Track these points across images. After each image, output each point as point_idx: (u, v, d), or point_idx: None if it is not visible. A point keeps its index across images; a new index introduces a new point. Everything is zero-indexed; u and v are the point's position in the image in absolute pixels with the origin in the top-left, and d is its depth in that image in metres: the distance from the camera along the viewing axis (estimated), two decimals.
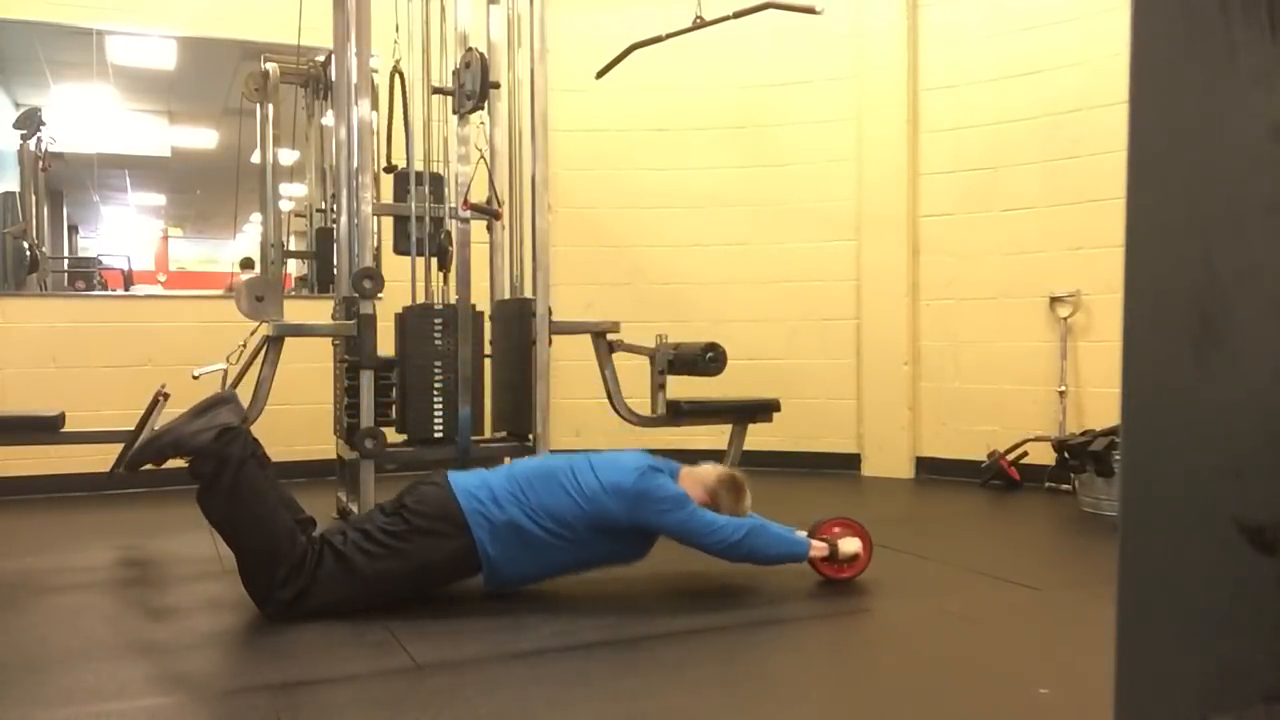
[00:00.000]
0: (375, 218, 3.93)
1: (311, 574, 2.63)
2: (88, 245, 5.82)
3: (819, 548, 2.97)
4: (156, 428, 3.46)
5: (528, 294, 4.12)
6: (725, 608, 2.85)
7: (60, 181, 5.46)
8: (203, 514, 2.73)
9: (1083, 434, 4.44)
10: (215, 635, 2.59)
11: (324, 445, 4.68)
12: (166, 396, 3.57)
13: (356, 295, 3.65)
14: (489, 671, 2.27)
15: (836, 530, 3.04)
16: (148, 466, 2.87)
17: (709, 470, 3.04)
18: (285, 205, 5.72)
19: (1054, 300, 4.90)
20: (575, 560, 2.86)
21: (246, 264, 5.90)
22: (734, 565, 3.04)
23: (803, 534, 3.01)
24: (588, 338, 4.20)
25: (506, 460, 4.29)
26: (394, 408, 3.87)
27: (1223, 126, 0.70)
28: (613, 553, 2.91)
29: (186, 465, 2.74)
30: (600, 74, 5.14)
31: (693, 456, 5.05)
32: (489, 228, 4.36)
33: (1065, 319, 4.87)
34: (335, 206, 4.51)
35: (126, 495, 4.67)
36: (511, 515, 2.74)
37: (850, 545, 3.00)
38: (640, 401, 4.34)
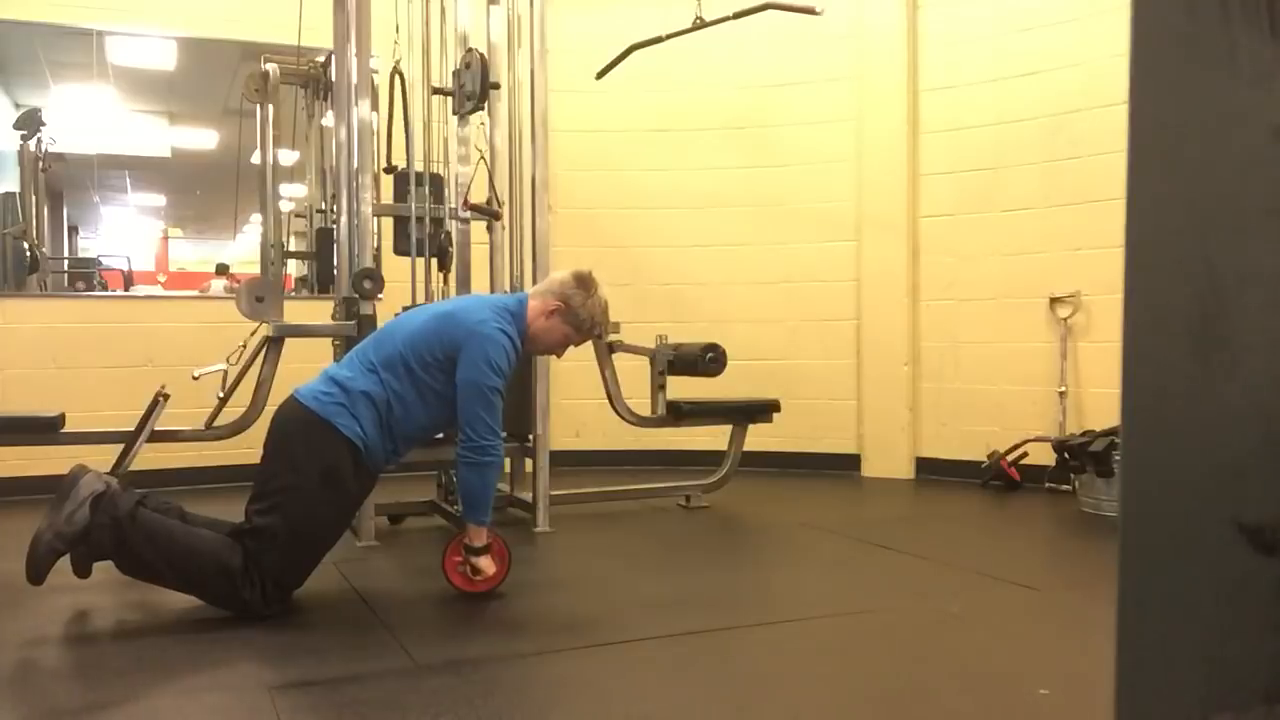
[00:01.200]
0: (375, 218, 3.93)
1: (257, 566, 2.63)
2: (88, 246, 5.82)
3: (482, 535, 2.84)
4: (153, 426, 3.46)
5: None
6: (724, 609, 2.85)
7: (60, 182, 5.46)
8: (142, 579, 2.71)
9: (1083, 434, 4.44)
10: (215, 636, 2.59)
11: None
12: (166, 397, 3.57)
13: (356, 296, 3.66)
14: (489, 672, 2.27)
15: (494, 548, 2.91)
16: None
17: (556, 275, 3.05)
18: (285, 206, 5.72)
19: (1054, 301, 4.90)
20: (432, 416, 2.84)
21: (222, 269, 5.94)
22: (737, 567, 3.05)
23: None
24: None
25: (506, 460, 4.31)
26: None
27: (1223, 127, 0.70)
28: (445, 398, 2.82)
29: (84, 555, 2.65)
30: (600, 74, 5.14)
31: (693, 457, 5.09)
32: (489, 228, 4.36)
33: (1065, 319, 4.87)
34: (335, 207, 4.51)
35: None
36: (361, 389, 2.75)
37: (488, 564, 2.87)
38: (640, 402, 4.34)
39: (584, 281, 2.98)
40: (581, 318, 2.99)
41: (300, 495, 2.67)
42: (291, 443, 2.72)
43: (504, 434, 3.74)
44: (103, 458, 3.50)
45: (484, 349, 2.78)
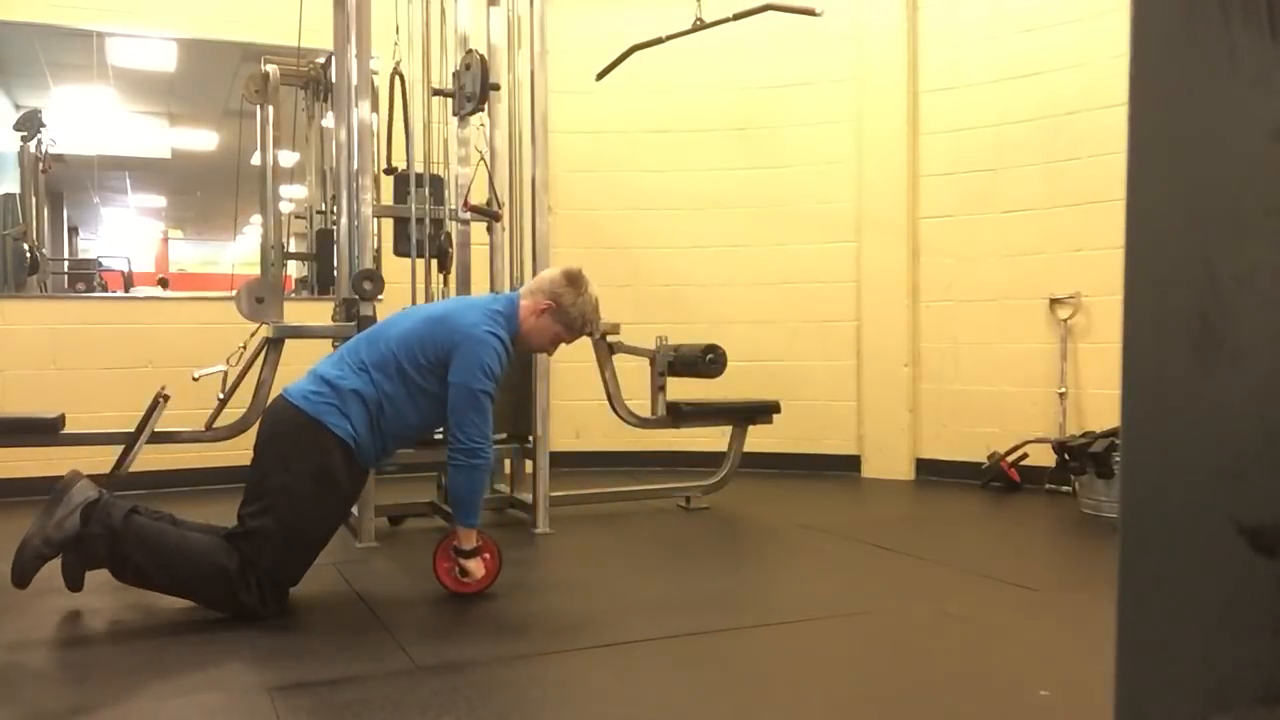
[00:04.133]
0: (375, 219, 3.93)
1: (253, 567, 2.64)
2: (88, 247, 5.82)
3: (471, 538, 2.85)
4: (152, 427, 3.46)
5: None
6: (725, 610, 2.85)
7: (60, 183, 5.46)
8: (138, 586, 2.72)
9: (1083, 435, 4.44)
10: (214, 636, 2.59)
11: None
12: (167, 398, 3.57)
13: (357, 297, 3.66)
14: (488, 673, 2.27)
15: (487, 556, 2.92)
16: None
17: (546, 273, 3.06)
18: (285, 207, 5.72)
19: (1054, 302, 4.90)
20: (423, 416, 2.85)
21: (162, 283, 5.94)
22: (734, 571, 3.04)
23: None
24: (588, 339, 4.20)
25: (506, 461, 4.31)
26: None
27: (1223, 128, 0.70)
28: (436, 399, 2.84)
29: (75, 565, 2.66)
30: (600, 76, 5.14)
31: (693, 458, 5.08)
32: (489, 229, 4.36)
33: (1065, 321, 4.87)
34: (335, 208, 4.51)
35: (126, 497, 4.66)
36: (351, 387, 2.75)
37: (477, 567, 2.88)
38: (640, 403, 4.34)
39: (574, 279, 2.98)
40: (572, 315, 2.99)
41: (293, 495, 2.68)
42: (282, 443, 2.72)
43: (499, 435, 3.76)
44: (103, 459, 3.50)
45: (476, 352, 2.78)
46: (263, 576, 2.64)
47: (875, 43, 5.38)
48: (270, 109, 5.36)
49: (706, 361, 4.23)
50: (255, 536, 2.65)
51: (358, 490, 2.93)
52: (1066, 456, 4.41)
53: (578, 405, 5.29)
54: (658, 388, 4.31)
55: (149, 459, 3.75)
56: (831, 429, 5.50)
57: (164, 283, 6.02)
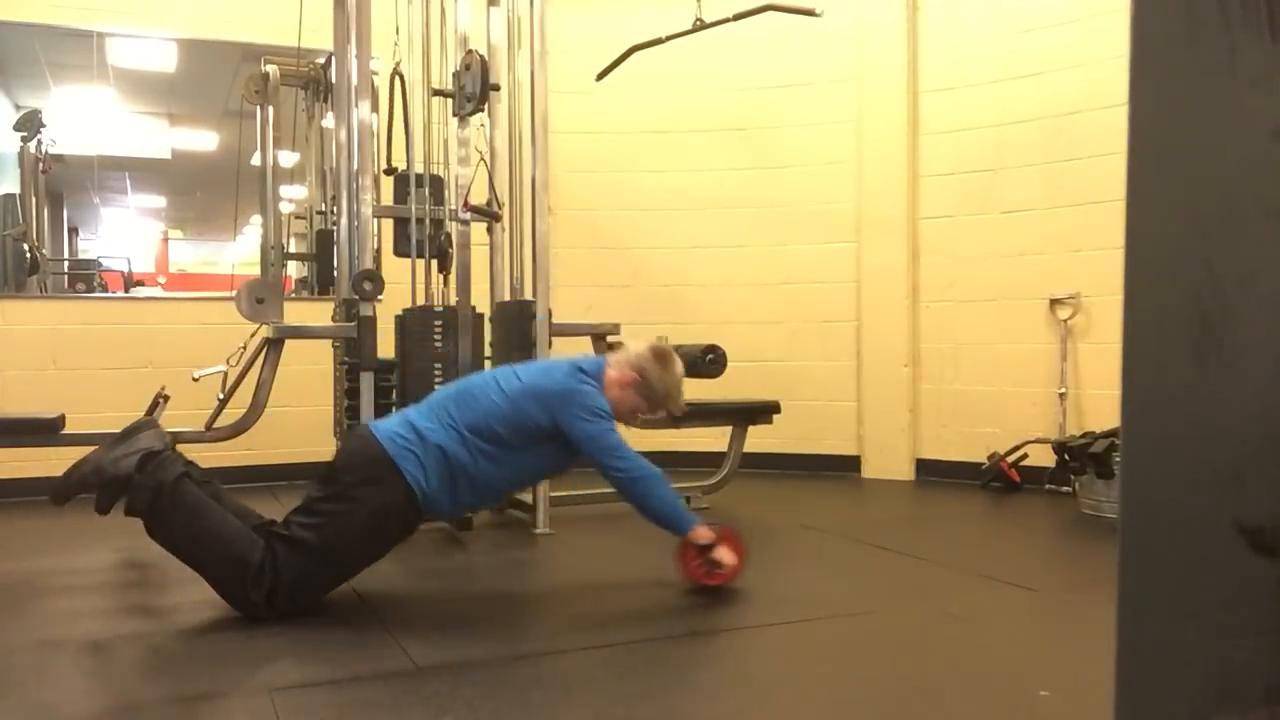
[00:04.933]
0: (375, 220, 3.93)
1: (273, 569, 2.63)
2: (88, 247, 5.82)
3: (704, 533, 2.89)
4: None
5: (528, 296, 4.12)
6: (725, 610, 2.85)
7: (60, 183, 5.46)
8: (162, 546, 2.73)
9: (1083, 436, 4.44)
10: (215, 637, 2.59)
11: (324, 447, 4.66)
12: (167, 399, 3.58)
13: (356, 297, 3.66)
14: (489, 673, 2.27)
15: (727, 539, 2.95)
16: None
17: (634, 346, 3.05)
18: (285, 207, 5.72)
19: (1054, 302, 4.90)
20: (504, 478, 2.85)
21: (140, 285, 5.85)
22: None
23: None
24: (588, 340, 4.20)
25: None
26: (394, 410, 3.87)
27: (1223, 129, 0.70)
28: (539, 465, 2.89)
29: (125, 507, 2.70)
30: (600, 76, 5.14)
31: (693, 458, 5.08)
32: (489, 230, 4.36)
33: (1065, 321, 4.87)
34: (335, 209, 4.51)
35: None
36: (437, 441, 2.74)
37: (727, 555, 2.92)
38: None
39: (662, 358, 3.00)
40: (656, 391, 3.01)
41: (344, 524, 2.68)
42: (355, 473, 2.73)
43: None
44: None
45: (578, 404, 2.82)
46: (280, 583, 2.63)
47: (875, 43, 5.38)
48: (270, 109, 5.36)
49: (706, 362, 4.23)
50: (294, 545, 2.65)
51: (406, 536, 2.91)
52: (1066, 457, 4.41)
53: None
54: None
55: None
56: (831, 429, 5.50)
57: (139, 283, 5.95)
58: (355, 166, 3.92)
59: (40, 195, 5.25)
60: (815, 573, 3.35)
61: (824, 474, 5.40)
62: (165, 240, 6.37)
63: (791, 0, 4.74)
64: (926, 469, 5.32)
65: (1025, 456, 4.87)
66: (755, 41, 5.39)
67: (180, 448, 4.05)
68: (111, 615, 2.79)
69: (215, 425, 3.67)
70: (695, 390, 4.45)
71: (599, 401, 2.85)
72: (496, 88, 4.00)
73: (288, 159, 5.60)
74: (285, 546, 2.65)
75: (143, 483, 2.66)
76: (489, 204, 4.05)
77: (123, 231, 5.87)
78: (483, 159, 4.13)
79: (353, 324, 3.66)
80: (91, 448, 3.68)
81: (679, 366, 3.05)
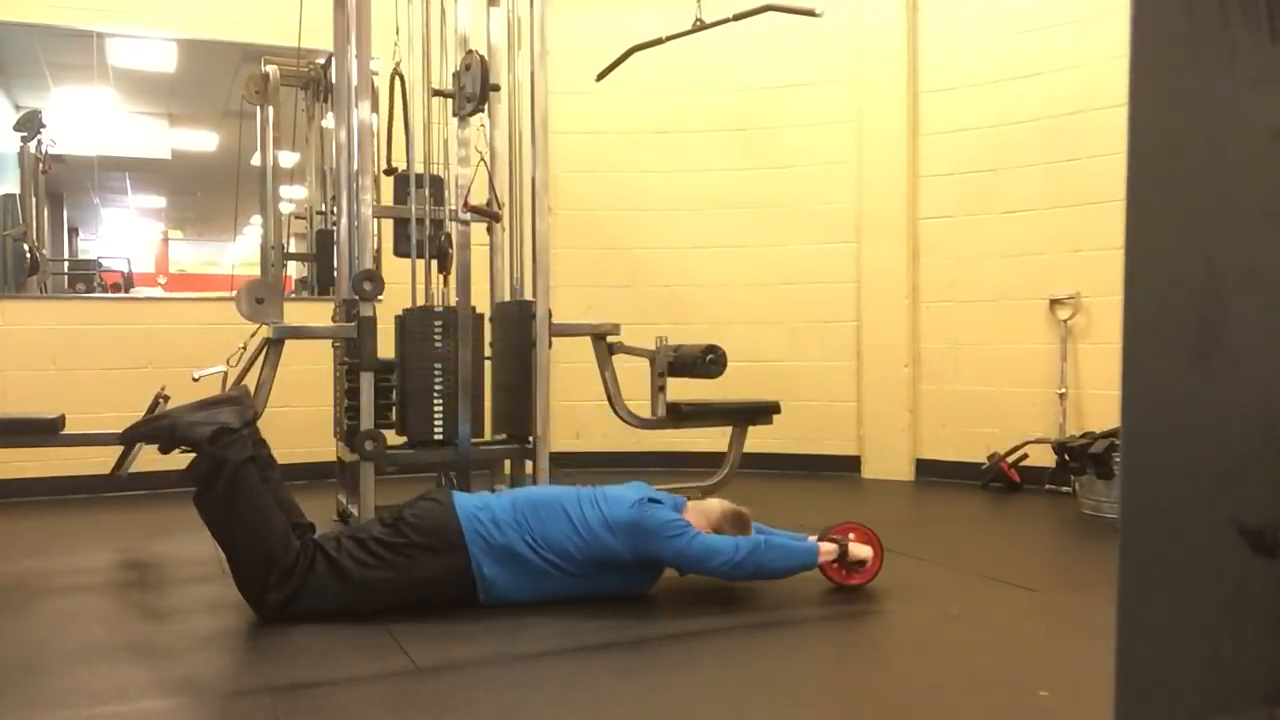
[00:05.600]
0: (375, 220, 3.93)
1: (302, 578, 2.63)
2: (88, 247, 5.82)
3: (828, 550, 2.92)
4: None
5: (528, 296, 4.12)
6: (726, 610, 2.85)
7: (60, 184, 5.46)
8: (202, 518, 2.73)
9: (1083, 436, 4.44)
10: (215, 637, 2.59)
11: (324, 448, 4.68)
12: (167, 399, 3.57)
13: (356, 298, 3.65)
14: (489, 673, 2.27)
15: (851, 536, 2.99)
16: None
17: (714, 504, 3.01)
18: (285, 207, 5.72)
19: (1054, 302, 4.90)
20: (574, 590, 2.82)
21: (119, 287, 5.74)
22: None
23: (812, 539, 2.96)
24: (588, 340, 4.20)
25: (506, 462, 4.31)
26: (394, 410, 3.87)
27: (1223, 129, 0.70)
28: (616, 585, 2.88)
29: (186, 468, 2.74)
30: (600, 76, 5.14)
31: (693, 459, 5.08)
32: (489, 230, 4.36)
33: (1065, 321, 4.87)
34: (335, 209, 4.51)
35: (126, 498, 4.67)
36: (510, 540, 2.73)
37: (861, 550, 2.96)
38: (640, 404, 4.34)
39: (740, 522, 2.97)
40: None
41: (393, 575, 2.68)
42: (422, 535, 2.72)
43: (500, 436, 3.73)
44: (103, 459, 3.51)
45: (650, 526, 2.78)
46: (304, 593, 2.63)
47: (875, 43, 5.38)
48: (270, 109, 5.36)
49: (706, 362, 4.23)
50: (336, 568, 2.65)
51: (439, 602, 2.84)
52: (1066, 457, 4.41)
53: (578, 406, 5.29)
54: (658, 388, 4.30)
55: (149, 460, 3.74)
56: (831, 429, 5.50)
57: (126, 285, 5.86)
58: (355, 167, 3.92)
59: (40, 195, 5.25)
60: (815, 573, 3.34)
61: (824, 474, 5.39)
62: (165, 240, 6.37)
63: (791, 0, 4.74)
64: (926, 469, 5.31)
65: (1025, 457, 4.87)
66: (755, 42, 5.39)
67: (177, 449, 4.07)
68: (111, 616, 2.79)
69: None
70: (696, 390, 4.46)
71: (668, 516, 2.81)
72: (496, 88, 4.00)
73: (288, 159, 5.59)
74: (326, 565, 2.65)
75: (210, 454, 2.69)
76: (489, 204, 4.05)
77: (123, 232, 5.87)
78: (483, 159, 4.13)
79: (353, 324, 3.66)
80: (88, 448, 3.69)
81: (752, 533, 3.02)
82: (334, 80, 4.43)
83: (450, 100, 4.01)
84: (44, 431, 3.51)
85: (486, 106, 4.00)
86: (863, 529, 3.02)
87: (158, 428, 2.80)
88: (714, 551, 2.78)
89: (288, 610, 2.62)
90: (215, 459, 2.68)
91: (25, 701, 2.11)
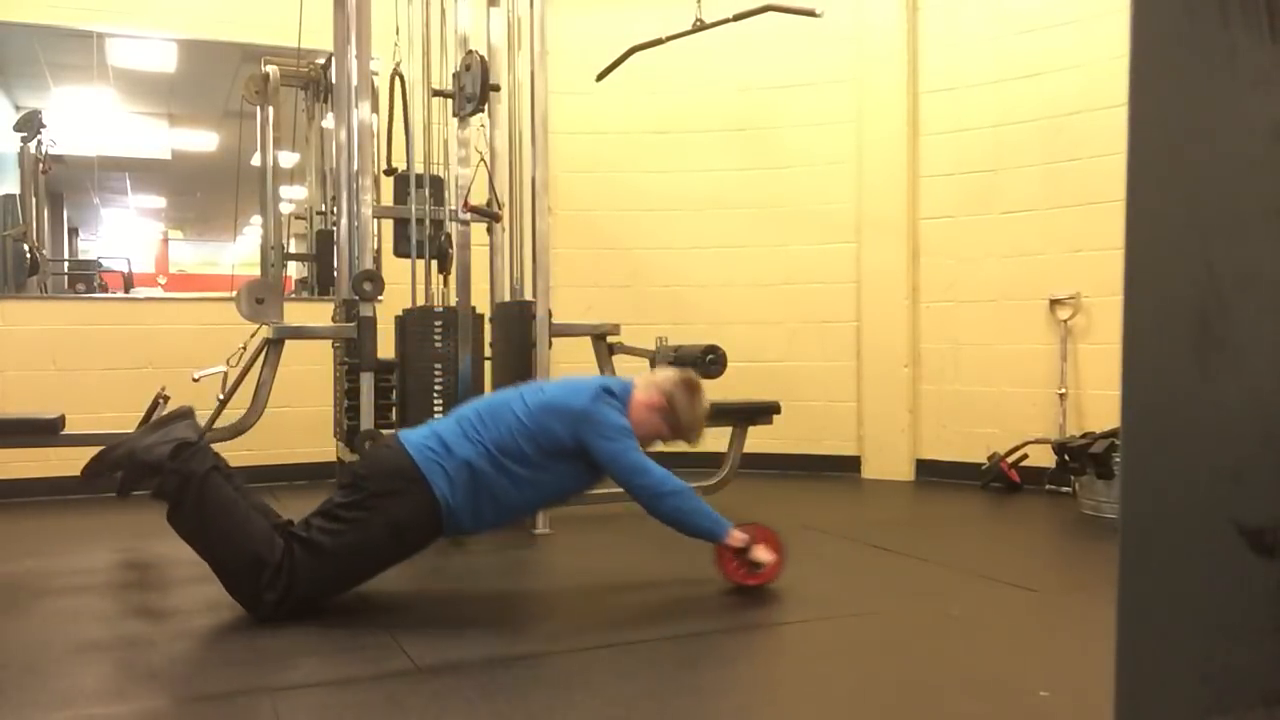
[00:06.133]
0: (375, 220, 3.93)
1: (289, 570, 2.63)
2: (88, 248, 5.82)
3: (738, 536, 2.92)
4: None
5: (528, 296, 4.12)
6: (726, 611, 2.85)
7: (60, 184, 5.46)
8: (181, 536, 2.74)
9: (1083, 436, 4.44)
10: (214, 638, 2.59)
11: (324, 448, 4.68)
12: (166, 399, 3.58)
13: (357, 298, 3.66)
14: (489, 674, 2.27)
15: (762, 539, 2.98)
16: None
17: (663, 371, 3.07)
18: (285, 208, 5.72)
19: (1054, 303, 4.90)
20: (526, 498, 2.84)
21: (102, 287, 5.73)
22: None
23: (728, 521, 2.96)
24: (588, 340, 4.20)
25: None
26: (394, 410, 3.87)
27: (1222, 129, 0.70)
28: (562, 484, 2.88)
29: (153, 489, 2.73)
30: (600, 76, 5.14)
31: (693, 459, 5.07)
32: (489, 230, 4.36)
33: (1065, 321, 4.87)
34: (335, 209, 4.51)
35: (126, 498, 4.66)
36: (464, 456, 2.73)
37: (764, 553, 2.94)
38: None
39: (690, 386, 3.02)
40: (680, 419, 3.02)
41: (366, 530, 2.68)
42: (379, 482, 2.72)
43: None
44: None
45: (602, 424, 2.81)
46: (295, 583, 2.63)
47: (875, 43, 5.38)
48: (270, 110, 5.36)
49: (706, 362, 4.23)
50: (310, 548, 2.65)
51: (422, 549, 2.89)
52: (1066, 457, 4.41)
53: None
54: None
55: None
56: (831, 429, 5.50)
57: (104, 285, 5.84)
58: (355, 167, 3.92)
59: (40, 196, 5.25)
60: (815, 573, 3.34)
61: (824, 474, 5.39)
62: (165, 241, 6.37)
63: (791, 0, 4.74)
64: (926, 469, 5.31)
65: (1025, 457, 4.87)
66: (755, 42, 5.39)
67: None
68: (111, 616, 2.79)
69: (215, 426, 3.67)
70: None
71: (620, 420, 2.85)
72: (496, 88, 4.00)
73: (288, 159, 5.60)
74: (303, 549, 2.66)
75: (175, 469, 2.70)
76: (489, 204, 4.05)
77: (123, 232, 5.87)
78: (483, 159, 4.13)
79: (353, 324, 3.66)
80: (88, 448, 3.68)
81: (705, 400, 3.06)
82: (334, 80, 4.44)
83: (450, 100, 4.01)
84: (44, 432, 3.51)
85: (486, 107, 4.00)
86: (774, 537, 3.00)
87: (116, 457, 2.79)
88: (644, 470, 2.81)
89: (284, 607, 2.63)
90: (181, 473, 2.68)
91: (25, 701, 2.11)
